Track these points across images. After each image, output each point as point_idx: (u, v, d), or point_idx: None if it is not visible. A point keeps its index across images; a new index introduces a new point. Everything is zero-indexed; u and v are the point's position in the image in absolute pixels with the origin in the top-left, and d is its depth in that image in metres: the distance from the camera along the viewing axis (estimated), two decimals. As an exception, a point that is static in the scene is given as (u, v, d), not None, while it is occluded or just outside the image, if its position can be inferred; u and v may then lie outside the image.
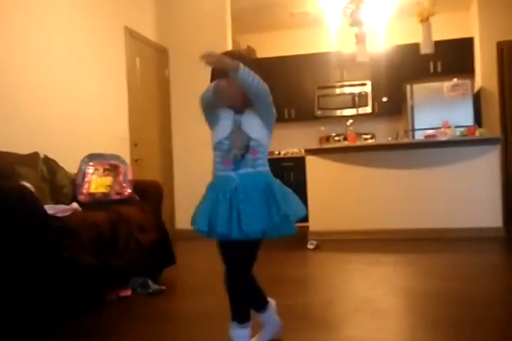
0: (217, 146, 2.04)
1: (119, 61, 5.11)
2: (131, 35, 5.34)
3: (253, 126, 1.97)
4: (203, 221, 1.95)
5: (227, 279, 2.00)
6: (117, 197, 3.32)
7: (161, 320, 2.62)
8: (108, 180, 3.35)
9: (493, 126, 6.38)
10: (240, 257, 1.99)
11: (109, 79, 4.93)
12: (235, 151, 1.96)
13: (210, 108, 2.01)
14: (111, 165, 3.47)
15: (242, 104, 1.99)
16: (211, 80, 2.01)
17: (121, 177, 3.40)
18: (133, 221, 3.10)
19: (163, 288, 3.17)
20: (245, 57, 2.07)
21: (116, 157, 3.64)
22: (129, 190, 3.39)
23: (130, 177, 3.55)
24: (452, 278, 3.34)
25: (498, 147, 5.08)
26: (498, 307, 2.64)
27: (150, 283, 3.14)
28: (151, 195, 3.51)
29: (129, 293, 3.08)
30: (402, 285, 3.18)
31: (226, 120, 2.01)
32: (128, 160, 4.80)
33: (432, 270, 3.64)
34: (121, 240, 2.95)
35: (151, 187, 3.62)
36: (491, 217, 4.99)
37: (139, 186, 3.51)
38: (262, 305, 2.17)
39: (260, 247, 2.00)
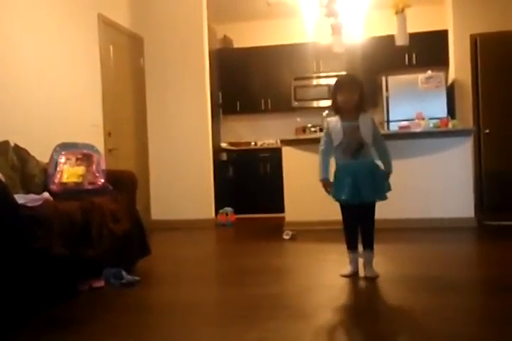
0: (338, 146, 3.04)
1: (92, 49, 5.01)
2: (105, 22, 5.24)
3: (367, 131, 3.01)
4: (344, 193, 3.01)
5: (354, 225, 3.16)
6: (90, 186, 3.27)
7: (134, 311, 2.60)
8: (80, 169, 3.30)
9: (466, 118, 6.47)
10: (367, 213, 3.12)
11: (82, 67, 4.83)
12: (353, 147, 3.00)
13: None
14: (84, 155, 3.41)
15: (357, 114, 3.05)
16: (333, 95, 3.11)
17: (94, 167, 3.35)
18: (106, 211, 3.06)
19: (137, 278, 3.14)
20: (360, 81, 3.17)
21: (90, 146, 3.58)
22: (102, 180, 3.34)
23: (103, 166, 3.50)
24: (423, 266, 3.39)
25: (470, 138, 5.17)
26: (466, 294, 2.71)
27: (124, 273, 3.10)
28: (125, 185, 3.46)
29: (102, 283, 3.05)
30: (376, 274, 3.21)
31: (336, 127, 3.04)
32: (102, 149, 4.73)
33: (404, 259, 3.70)
34: (93, 230, 2.91)
35: (125, 176, 3.57)
36: (463, 208, 5.07)
37: (112, 176, 3.46)
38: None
39: (375, 207, 3.11)
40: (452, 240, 4.47)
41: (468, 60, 6.59)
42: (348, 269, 3.13)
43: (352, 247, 3.15)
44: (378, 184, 3.02)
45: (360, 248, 3.16)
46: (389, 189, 3.07)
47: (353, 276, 3.09)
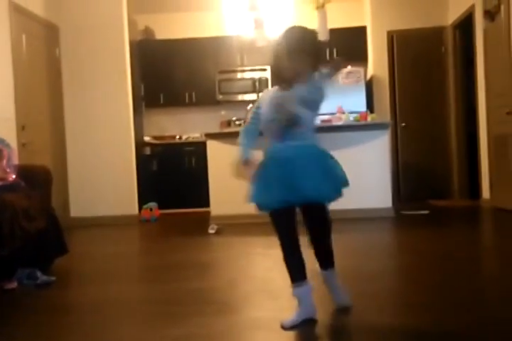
0: (268, 125, 2.16)
1: (2, 38, 4.71)
2: (17, 10, 4.94)
3: (305, 99, 2.10)
4: (271, 194, 2.11)
5: (297, 240, 2.17)
6: (0, 183, 3.07)
7: (51, 312, 2.49)
8: (-11, 165, 3.09)
9: (384, 112, 6.73)
10: (319, 218, 2.33)
11: (-9, 57, 4.54)
12: (282, 123, 2.11)
13: None
14: (-8, 149, 3.20)
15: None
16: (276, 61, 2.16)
17: (4, 162, 3.15)
18: (18, 208, 2.88)
19: (53, 278, 3.01)
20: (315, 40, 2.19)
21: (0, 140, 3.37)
22: (14, 176, 3.16)
23: (15, 161, 3.31)
24: (347, 255, 3.47)
25: (387, 131, 5.37)
26: (388, 283, 2.81)
27: (38, 273, 2.96)
28: (38, 181, 3.28)
29: (14, 285, 2.89)
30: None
31: (267, 99, 2.20)
32: (14, 144, 4.48)
33: (327, 249, 3.77)
34: (4, 228, 2.74)
35: (39, 172, 3.38)
36: (382, 198, 5.27)
37: (25, 171, 3.27)
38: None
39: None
40: (371, 230, 4.63)
41: (385, 56, 6.86)
42: (297, 315, 2.10)
43: (302, 277, 2.14)
44: (329, 177, 2.14)
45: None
46: (345, 184, 2.20)
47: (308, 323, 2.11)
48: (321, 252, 2.27)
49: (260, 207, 2.16)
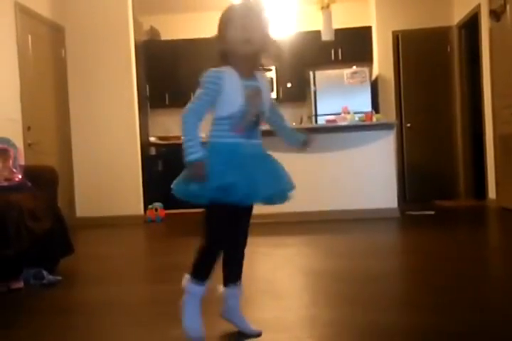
0: (230, 116, 1.85)
1: (8, 39, 4.74)
2: (22, 11, 4.97)
3: (267, 96, 1.95)
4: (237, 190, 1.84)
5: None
6: (6, 183, 3.08)
7: (57, 312, 2.49)
8: (-5, 165, 3.10)
9: (389, 112, 6.72)
10: (247, 219, 2.09)
11: (-2, 58, 4.56)
12: (250, 118, 1.88)
13: None
14: (-1, 149, 3.21)
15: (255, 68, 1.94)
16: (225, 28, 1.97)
17: (10, 162, 3.16)
18: (24, 208, 2.90)
19: (59, 278, 3.01)
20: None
21: (5, 140, 3.37)
22: (20, 176, 3.17)
23: (21, 162, 3.32)
24: (351, 256, 3.48)
25: (393, 132, 5.36)
26: (393, 283, 2.79)
27: (44, 273, 2.96)
28: (44, 181, 3.30)
29: (21, 285, 2.89)
30: (304, 266, 3.26)
31: (234, 86, 1.85)
32: (20, 144, 4.50)
33: (332, 250, 3.77)
34: (11, 229, 2.75)
35: (45, 172, 3.40)
36: (387, 199, 5.26)
37: (31, 172, 3.28)
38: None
39: None
40: (376, 231, 4.62)
41: (390, 56, 6.85)
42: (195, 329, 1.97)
43: (206, 275, 2.02)
44: (279, 177, 1.98)
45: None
46: (292, 186, 2.01)
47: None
48: (237, 262, 2.16)
49: (219, 199, 1.86)
